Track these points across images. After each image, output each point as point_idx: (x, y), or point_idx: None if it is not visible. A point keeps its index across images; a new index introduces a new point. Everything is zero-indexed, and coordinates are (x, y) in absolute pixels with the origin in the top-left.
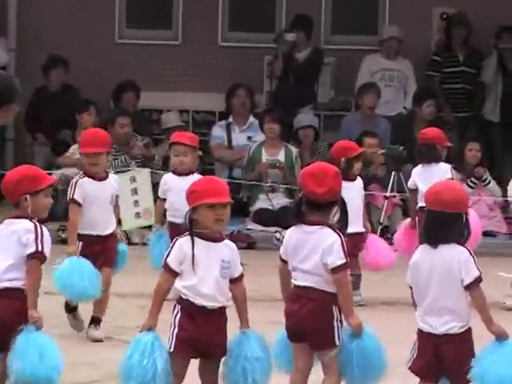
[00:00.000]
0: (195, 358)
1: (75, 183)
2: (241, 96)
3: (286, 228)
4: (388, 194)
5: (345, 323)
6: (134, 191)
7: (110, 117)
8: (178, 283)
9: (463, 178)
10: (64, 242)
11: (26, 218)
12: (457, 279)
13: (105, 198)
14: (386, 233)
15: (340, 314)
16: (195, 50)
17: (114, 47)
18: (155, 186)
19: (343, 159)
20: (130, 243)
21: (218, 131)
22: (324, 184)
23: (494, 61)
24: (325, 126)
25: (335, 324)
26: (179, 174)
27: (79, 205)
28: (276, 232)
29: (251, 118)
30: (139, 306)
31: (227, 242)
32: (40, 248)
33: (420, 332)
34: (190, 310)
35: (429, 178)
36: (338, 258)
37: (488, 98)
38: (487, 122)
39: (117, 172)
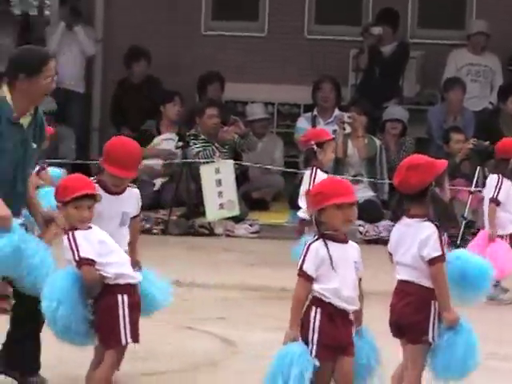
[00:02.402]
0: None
1: None
2: (325, 90)
3: (370, 222)
4: (473, 189)
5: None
6: (219, 182)
7: (198, 107)
8: (317, 286)
9: None
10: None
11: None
12: None
13: (113, 216)
14: (471, 228)
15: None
16: (281, 42)
17: (200, 39)
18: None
19: None
20: (213, 234)
21: (303, 123)
22: (398, 175)
23: None
24: (410, 120)
25: (431, 320)
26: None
27: None
28: (359, 226)
29: (337, 111)
30: (220, 298)
31: (352, 242)
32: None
33: None
34: (330, 313)
35: None
36: (433, 250)
37: None
38: None
39: (203, 163)
